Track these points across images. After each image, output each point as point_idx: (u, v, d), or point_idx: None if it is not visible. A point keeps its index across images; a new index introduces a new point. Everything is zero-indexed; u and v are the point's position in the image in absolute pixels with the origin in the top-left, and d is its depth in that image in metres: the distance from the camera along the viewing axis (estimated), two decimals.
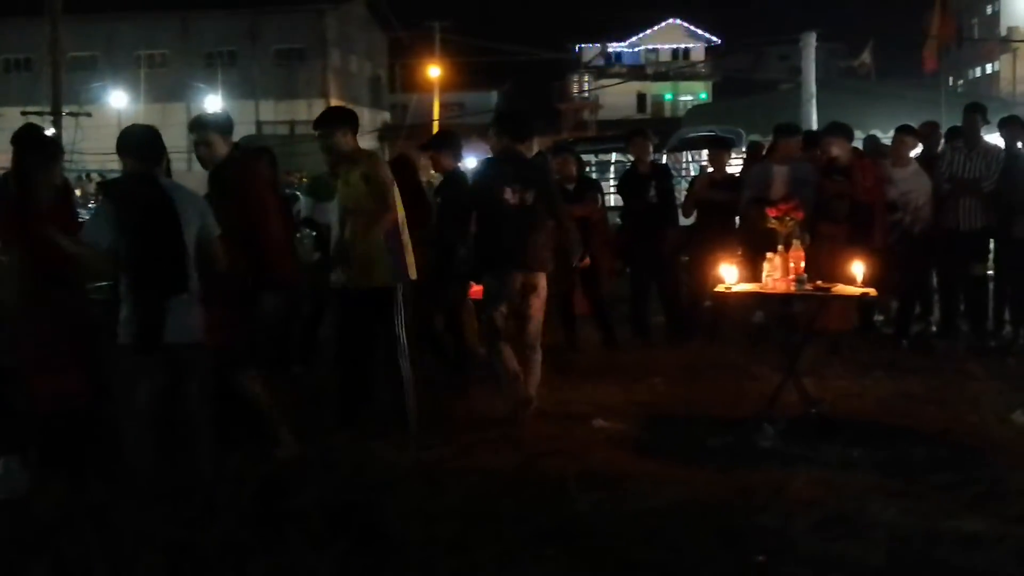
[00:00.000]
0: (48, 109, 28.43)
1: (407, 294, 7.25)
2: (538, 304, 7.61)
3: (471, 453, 6.58)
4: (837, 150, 9.62)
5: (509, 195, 7.32)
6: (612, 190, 18.49)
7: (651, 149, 11.22)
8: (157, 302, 5.52)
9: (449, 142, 8.83)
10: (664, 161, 19.06)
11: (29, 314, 5.98)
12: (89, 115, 29.35)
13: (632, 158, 11.21)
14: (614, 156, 26.75)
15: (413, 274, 7.24)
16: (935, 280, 10.61)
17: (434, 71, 45.25)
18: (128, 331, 5.53)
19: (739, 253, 9.25)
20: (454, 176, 8.53)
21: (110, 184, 6.00)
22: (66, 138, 28.95)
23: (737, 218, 10.34)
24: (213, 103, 47.79)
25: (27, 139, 6.24)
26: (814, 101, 14.99)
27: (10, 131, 7.53)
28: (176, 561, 4.81)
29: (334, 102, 51.65)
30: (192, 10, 52.39)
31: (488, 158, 7.82)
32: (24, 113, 30.38)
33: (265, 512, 5.43)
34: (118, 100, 46.03)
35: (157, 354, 5.56)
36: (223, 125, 6.64)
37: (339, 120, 7.20)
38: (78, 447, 5.98)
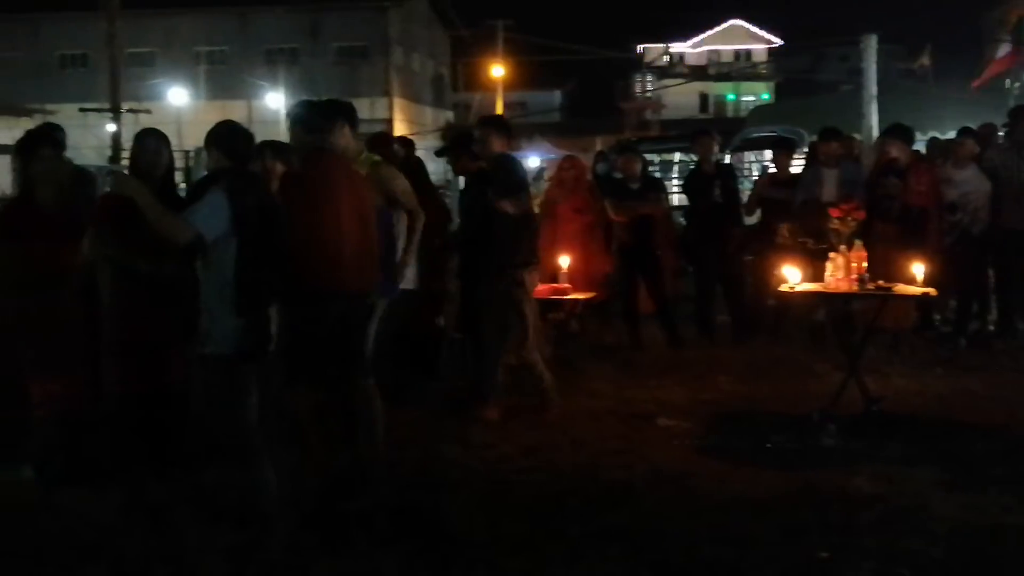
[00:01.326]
0: (106, 106, 28.72)
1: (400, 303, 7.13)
2: None
3: (535, 452, 6.63)
4: (896, 152, 9.61)
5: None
6: (675, 189, 18.52)
7: (716, 149, 11.26)
8: (266, 307, 5.23)
9: (465, 144, 8.63)
10: (727, 161, 19.00)
11: (26, 317, 5.87)
12: (148, 112, 29.44)
13: (696, 158, 11.26)
14: (677, 156, 26.67)
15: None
16: (992, 279, 10.55)
17: (497, 70, 45.25)
18: (227, 339, 5.06)
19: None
20: (478, 176, 8.22)
21: (224, 176, 5.24)
22: (125, 135, 29.30)
23: None
24: (274, 101, 47.99)
25: (28, 138, 6.23)
26: (875, 103, 14.87)
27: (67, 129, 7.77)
28: (240, 563, 4.82)
29: (397, 101, 51.96)
30: (251, 6, 52.06)
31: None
32: (82, 110, 30.89)
33: (329, 513, 5.46)
34: (177, 97, 44.91)
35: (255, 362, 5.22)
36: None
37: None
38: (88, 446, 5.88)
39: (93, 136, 29.55)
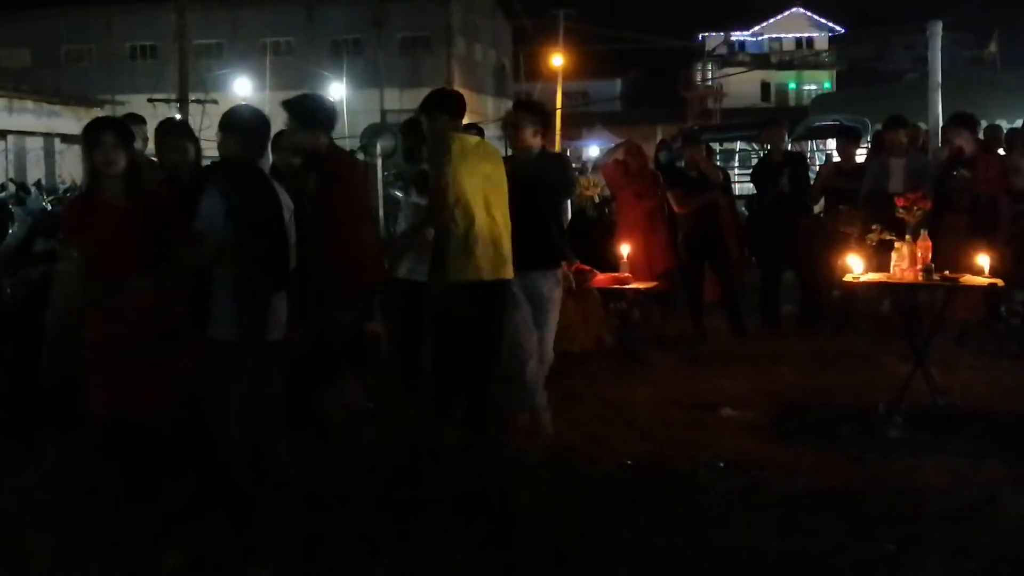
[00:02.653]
0: (174, 96, 29.07)
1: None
2: None
3: (601, 442, 6.59)
4: (960, 141, 9.46)
5: None
6: (736, 178, 18.39)
7: (786, 137, 11.19)
8: (266, 298, 5.23)
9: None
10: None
11: (93, 320, 5.39)
12: (215, 102, 29.73)
13: (767, 146, 11.20)
14: (739, 144, 26.47)
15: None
16: None
17: (558, 60, 45.18)
18: (228, 326, 5.15)
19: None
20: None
21: (216, 168, 5.32)
22: (192, 125, 29.51)
23: None
24: (338, 91, 48.24)
25: (93, 127, 5.54)
26: (940, 91, 14.63)
27: None
28: (311, 549, 4.83)
29: (460, 90, 52.06)
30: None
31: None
32: (151, 100, 31.25)
33: (399, 500, 5.46)
34: (243, 88, 45.47)
35: (253, 351, 5.26)
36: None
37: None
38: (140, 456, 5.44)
39: None
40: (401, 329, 7.63)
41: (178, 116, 28.20)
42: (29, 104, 34.44)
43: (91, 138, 5.35)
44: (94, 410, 5.35)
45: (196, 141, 6.33)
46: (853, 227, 9.09)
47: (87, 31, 53.41)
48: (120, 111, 31.73)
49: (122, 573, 4.61)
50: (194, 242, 5.11)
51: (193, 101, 29.27)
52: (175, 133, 6.31)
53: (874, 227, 7.98)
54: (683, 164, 10.77)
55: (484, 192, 6.28)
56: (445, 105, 6.52)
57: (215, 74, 45.51)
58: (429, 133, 6.52)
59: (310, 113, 6.36)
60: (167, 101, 30.86)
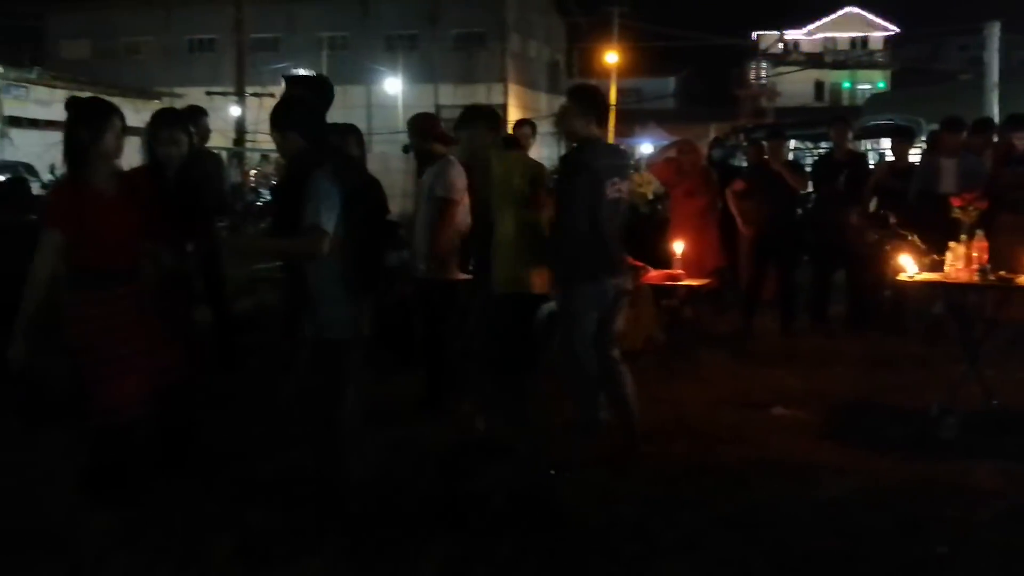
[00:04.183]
0: (232, 90, 29.28)
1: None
2: None
3: (650, 439, 6.53)
4: (1019, 142, 9.35)
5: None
6: None
7: (850, 136, 11.13)
8: (371, 295, 5.07)
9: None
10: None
11: (84, 315, 5.04)
12: (272, 96, 29.98)
13: (834, 144, 11.15)
14: (792, 143, 26.28)
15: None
16: None
17: (611, 57, 45.08)
18: (343, 326, 4.93)
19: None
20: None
21: (320, 157, 4.90)
22: (249, 118, 29.79)
23: None
24: (393, 86, 48.35)
25: (80, 107, 5.16)
26: (996, 92, 14.48)
27: None
28: (358, 539, 4.83)
29: (512, 87, 52.04)
30: None
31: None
32: (209, 93, 31.56)
33: (446, 495, 5.49)
34: None
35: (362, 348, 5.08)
36: None
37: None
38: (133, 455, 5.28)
39: (220, 119, 30.18)
40: (427, 328, 7.38)
41: (236, 110, 28.53)
42: (88, 95, 34.54)
43: (107, 122, 5.05)
44: (100, 407, 5.05)
45: (190, 134, 6.32)
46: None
47: (146, 24, 53.90)
48: (178, 103, 32.12)
49: (176, 558, 4.65)
50: (310, 240, 4.78)
51: (250, 95, 29.47)
52: (170, 124, 6.27)
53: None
54: (747, 161, 10.78)
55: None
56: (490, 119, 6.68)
57: (271, 68, 45.81)
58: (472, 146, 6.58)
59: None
60: (224, 94, 31.17)
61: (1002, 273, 7.41)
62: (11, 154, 29.32)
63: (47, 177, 20.48)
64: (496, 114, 7.07)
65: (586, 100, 6.29)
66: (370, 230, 4.98)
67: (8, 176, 20.61)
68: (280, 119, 5.01)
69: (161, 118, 6.32)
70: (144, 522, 4.97)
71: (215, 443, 6.07)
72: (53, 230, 4.92)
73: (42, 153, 21.03)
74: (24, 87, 35.49)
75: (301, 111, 5.09)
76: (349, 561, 4.64)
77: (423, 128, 7.14)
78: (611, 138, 31.81)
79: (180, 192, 6.09)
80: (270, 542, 4.80)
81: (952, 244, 7.65)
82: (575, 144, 6.19)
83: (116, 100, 5.63)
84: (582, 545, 4.92)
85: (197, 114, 8.43)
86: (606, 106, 6.51)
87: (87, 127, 5.00)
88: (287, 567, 4.58)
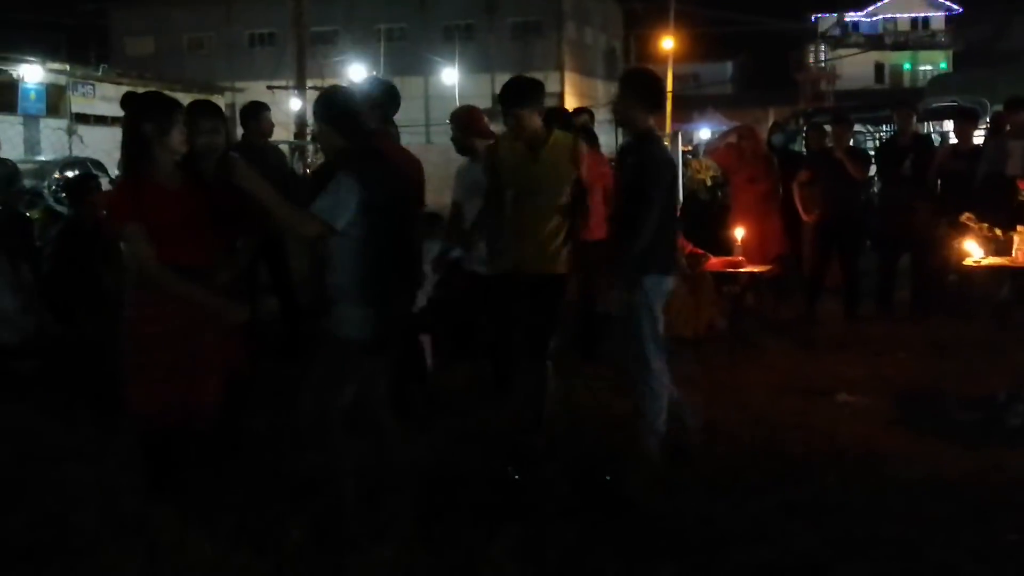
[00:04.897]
0: (292, 83, 29.45)
1: None
2: None
3: (714, 426, 6.47)
4: None
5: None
6: None
7: (915, 120, 11.02)
8: (400, 296, 4.94)
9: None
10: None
11: (142, 316, 4.82)
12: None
13: (891, 128, 11.04)
14: (855, 127, 26.04)
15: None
16: None
17: (668, 43, 44.78)
18: (357, 327, 4.74)
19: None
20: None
21: (352, 156, 4.76)
22: (310, 112, 29.92)
23: None
24: (450, 76, 48.37)
25: (141, 101, 4.98)
26: None
27: None
28: (429, 525, 4.82)
29: (569, 75, 51.92)
30: None
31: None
32: (270, 87, 31.78)
33: (513, 482, 5.49)
34: (358, 74, 44.00)
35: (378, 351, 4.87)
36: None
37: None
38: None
39: (282, 113, 30.42)
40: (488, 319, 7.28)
41: (296, 103, 28.75)
42: (145, 90, 34.88)
43: (171, 116, 4.87)
44: (138, 409, 4.88)
45: (227, 124, 6.21)
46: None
47: (208, 19, 54.45)
48: (240, 98, 32.41)
49: (249, 545, 4.66)
50: (306, 216, 4.65)
51: (310, 88, 29.65)
52: (210, 115, 6.05)
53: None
54: (805, 146, 10.69)
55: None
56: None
57: (331, 60, 45.97)
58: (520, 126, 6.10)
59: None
60: (285, 87, 31.37)
61: None
62: (80, 151, 29.69)
63: (114, 172, 20.74)
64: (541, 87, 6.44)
65: (645, 88, 5.99)
66: (395, 237, 4.80)
67: (77, 172, 20.92)
68: (318, 110, 4.93)
69: (201, 108, 6.10)
70: (215, 508, 4.95)
71: (277, 433, 6.00)
72: (132, 224, 4.75)
73: (111, 150, 21.33)
74: (91, 84, 35.88)
75: (339, 108, 4.93)
76: (420, 549, 4.63)
77: (465, 122, 7.10)
78: (668, 124, 31.65)
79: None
80: (341, 529, 4.79)
81: (1020, 228, 7.56)
82: (636, 135, 5.96)
83: (179, 95, 5.56)
84: (649, 532, 4.89)
85: (260, 109, 8.49)
86: (663, 92, 6.29)
87: (150, 122, 4.84)
88: (360, 554, 4.57)
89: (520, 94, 5.98)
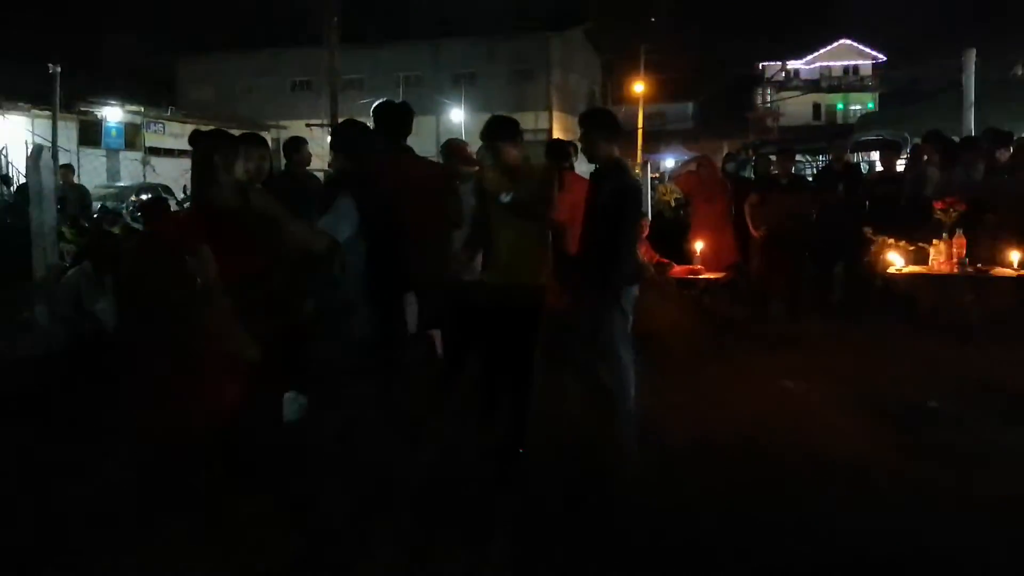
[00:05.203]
0: (327, 122, 29.47)
1: None
2: None
3: (678, 408, 6.38)
4: (1001, 154, 9.12)
5: None
6: None
7: (847, 151, 11.02)
8: (397, 301, 4.80)
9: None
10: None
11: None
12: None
13: (833, 157, 10.97)
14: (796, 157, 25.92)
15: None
16: None
17: (639, 87, 44.78)
18: (364, 329, 4.64)
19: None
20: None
21: (351, 178, 4.73)
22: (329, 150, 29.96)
23: None
24: (457, 115, 48.42)
25: (211, 138, 4.88)
26: (973, 109, 14.07)
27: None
28: (419, 542, 4.42)
29: (556, 113, 51.96)
30: (442, 38, 52.92)
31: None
32: (308, 125, 31.80)
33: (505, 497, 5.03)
34: None
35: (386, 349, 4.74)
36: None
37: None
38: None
39: (318, 147, 30.39)
40: None
41: (330, 139, 28.82)
42: (211, 128, 35.02)
43: (236, 151, 4.81)
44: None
45: (271, 154, 6.07)
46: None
47: (257, 69, 54.51)
48: (283, 134, 32.35)
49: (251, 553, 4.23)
50: (317, 234, 4.59)
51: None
52: (257, 145, 5.98)
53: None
54: (753, 172, 10.61)
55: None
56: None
57: (358, 103, 45.96)
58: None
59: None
60: (321, 125, 31.30)
61: (979, 266, 7.21)
62: (152, 178, 29.82)
63: (180, 196, 20.72)
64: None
65: (602, 123, 5.82)
66: (386, 248, 4.65)
67: (150, 195, 20.97)
68: (332, 140, 4.93)
69: (250, 139, 5.95)
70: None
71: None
72: (203, 247, 4.53)
73: (177, 177, 21.29)
74: (161, 123, 36.02)
75: (344, 136, 4.88)
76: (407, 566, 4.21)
77: (450, 151, 6.99)
78: (639, 155, 31.52)
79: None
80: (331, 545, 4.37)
81: (936, 241, 7.47)
82: (605, 163, 5.72)
83: (233, 131, 5.39)
84: (625, 502, 4.80)
85: (300, 143, 8.41)
86: (618, 125, 5.98)
87: (219, 154, 4.75)
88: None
89: (498, 129, 5.75)
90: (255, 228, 4.68)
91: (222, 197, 4.69)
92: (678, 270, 9.05)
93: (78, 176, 18.94)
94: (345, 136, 4.85)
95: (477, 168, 6.38)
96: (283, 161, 8.66)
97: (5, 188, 19.92)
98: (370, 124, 5.45)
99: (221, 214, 4.64)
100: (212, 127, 5.71)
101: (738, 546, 4.32)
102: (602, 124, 5.81)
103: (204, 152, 4.73)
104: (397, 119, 5.13)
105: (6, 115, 28.22)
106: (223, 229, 4.58)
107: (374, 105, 5.20)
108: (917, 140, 15.34)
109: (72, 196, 14.98)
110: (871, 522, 4.57)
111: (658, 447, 5.62)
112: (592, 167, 5.82)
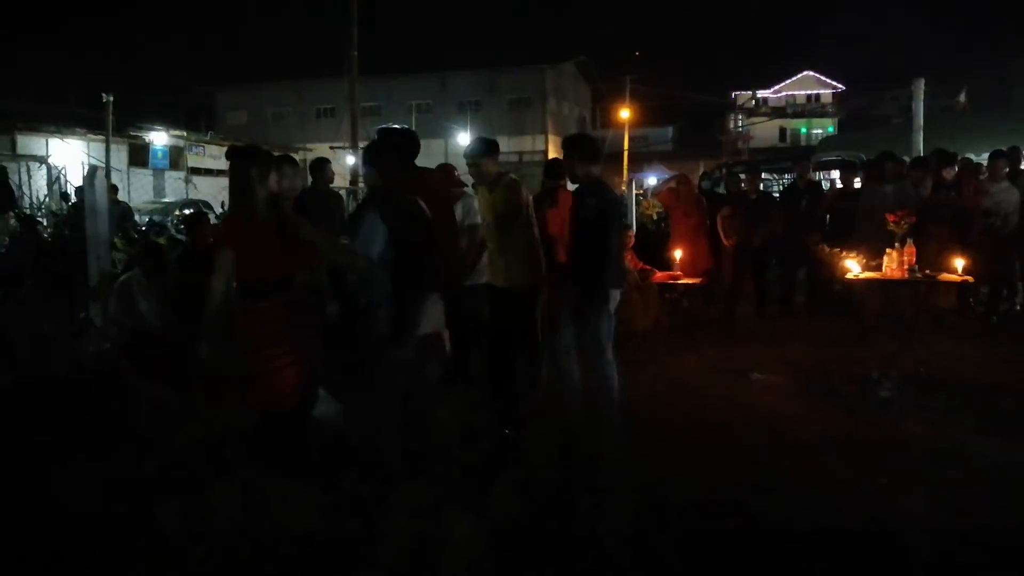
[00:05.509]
0: (348, 144, 29.57)
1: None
2: None
3: (658, 398, 6.40)
4: (947, 172, 9.14)
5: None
6: None
7: (810, 170, 10.97)
8: (419, 300, 4.75)
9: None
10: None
11: (251, 321, 4.56)
12: None
13: (797, 175, 10.95)
14: (763, 175, 25.85)
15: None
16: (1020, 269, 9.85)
17: (625, 113, 44.81)
18: (387, 325, 4.59)
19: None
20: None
21: (377, 195, 4.73)
22: (360, 165, 30.07)
23: None
24: (463, 140, 48.57)
25: (245, 152, 4.79)
26: (921, 133, 14.09)
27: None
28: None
29: (551, 137, 52.01)
30: (449, 70, 53.05)
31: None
32: (331, 147, 31.89)
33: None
34: None
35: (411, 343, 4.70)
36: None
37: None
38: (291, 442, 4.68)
39: (340, 166, 30.38)
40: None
41: (350, 159, 28.77)
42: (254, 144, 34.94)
43: (270, 166, 4.72)
44: (264, 398, 4.57)
45: (301, 174, 6.08)
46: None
47: (286, 98, 54.63)
48: (309, 155, 32.38)
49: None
50: (357, 255, 4.60)
51: (361, 148, 29.68)
52: (291, 165, 5.98)
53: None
54: (725, 188, 10.61)
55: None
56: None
57: (375, 127, 45.84)
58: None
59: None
60: (342, 148, 31.33)
61: (928, 271, 7.22)
62: (194, 195, 29.89)
63: (219, 211, 20.70)
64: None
65: (582, 147, 5.77)
66: (413, 258, 4.66)
67: (192, 210, 20.96)
68: (366, 154, 4.93)
69: (285, 160, 5.95)
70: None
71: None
72: (227, 249, 4.56)
73: (216, 194, 21.29)
74: (202, 146, 36.12)
75: (375, 152, 4.87)
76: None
77: (444, 174, 7.01)
78: (625, 173, 31.50)
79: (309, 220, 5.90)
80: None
81: (889, 250, 7.47)
82: (588, 182, 5.67)
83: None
84: (611, 473, 4.77)
85: (324, 163, 8.40)
86: (597, 147, 5.89)
87: (255, 167, 4.66)
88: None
89: (480, 149, 5.87)
90: (283, 237, 4.62)
91: (256, 207, 4.65)
92: (659, 276, 9.05)
93: (128, 193, 18.97)
94: (380, 152, 4.91)
95: (465, 188, 6.46)
96: (309, 179, 8.66)
97: (64, 204, 19.94)
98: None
99: (253, 223, 4.60)
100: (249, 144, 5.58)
101: (707, 507, 4.37)
102: (582, 148, 5.77)
103: (241, 166, 4.70)
104: (412, 143, 5.16)
105: (65, 139, 28.27)
106: (253, 236, 4.56)
107: (384, 129, 5.21)
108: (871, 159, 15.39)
109: (115, 211, 14.97)
110: (821, 490, 4.60)
111: (642, 426, 5.63)
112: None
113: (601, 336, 5.56)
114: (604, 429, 5.45)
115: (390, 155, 4.89)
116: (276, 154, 5.53)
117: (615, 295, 5.64)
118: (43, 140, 27.98)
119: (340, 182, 25.44)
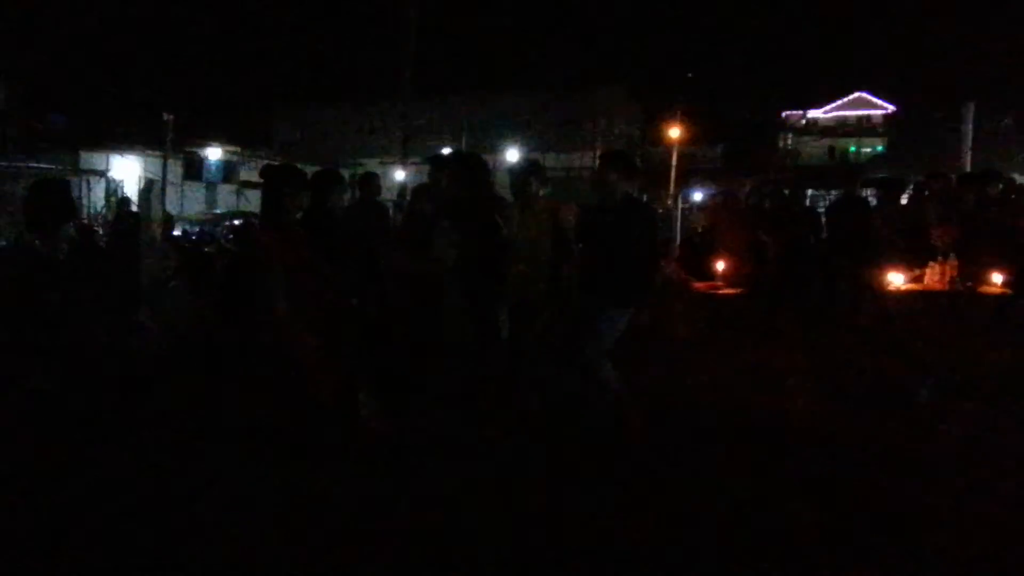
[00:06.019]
0: (399, 159, 30.08)
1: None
2: None
3: (692, 391, 6.66)
4: (992, 190, 9.10)
5: None
6: None
7: (858, 186, 11.00)
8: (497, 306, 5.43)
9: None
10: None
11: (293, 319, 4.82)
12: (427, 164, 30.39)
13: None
14: (809, 192, 25.73)
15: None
16: None
17: (675, 131, 44.82)
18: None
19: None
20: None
21: (449, 206, 5.35)
22: (408, 180, 30.54)
23: None
24: (514, 156, 48.94)
25: (280, 171, 5.18)
26: (969, 154, 14.02)
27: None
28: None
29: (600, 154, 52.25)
30: (503, 92, 53.73)
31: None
32: (381, 163, 32.37)
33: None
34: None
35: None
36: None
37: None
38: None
39: (388, 180, 30.79)
40: None
41: (400, 174, 29.20)
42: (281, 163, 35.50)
43: (303, 183, 5.13)
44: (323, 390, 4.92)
45: (348, 187, 6.38)
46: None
47: (338, 116, 55.63)
48: (360, 171, 32.86)
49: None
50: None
51: (410, 163, 30.03)
52: (341, 181, 6.18)
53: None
54: (769, 204, 10.67)
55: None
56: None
57: (427, 144, 46.46)
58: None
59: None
60: (393, 163, 31.79)
61: (969, 284, 7.23)
62: (244, 207, 30.62)
63: None
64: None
65: (627, 166, 5.82)
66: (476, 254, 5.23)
67: (241, 221, 21.53)
68: (457, 171, 5.68)
69: (334, 176, 6.15)
70: None
71: None
72: (277, 266, 4.82)
73: None
74: (254, 161, 36.93)
75: (466, 168, 5.53)
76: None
77: None
78: (672, 188, 31.49)
79: (353, 231, 6.17)
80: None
81: (931, 263, 7.51)
82: (620, 198, 5.64)
83: (317, 168, 5.74)
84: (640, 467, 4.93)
85: (372, 177, 8.71)
86: (634, 165, 6.00)
87: (287, 186, 4.98)
88: None
89: (525, 169, 6.09)
90: (312, 248, 4.94)
91: (286, 221, 4.96)
92: (701, 286, 9.15)
93: (180, 204, 19.47)
94: (466, 168, 5.54)
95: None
96: (357, 192, 8.92)
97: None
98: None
99: (285, 235, 4.91)
100: (286, 163, 5.94)
101: (741, 506, 4.50)
102: (617, 164, 5.80)
103: (273, 184, 5.03)
104: (481, 165, 5.58)
105: (124, 155, 29.15)
106: (287, 247, 4.86)
107: (453, 153, 5.73)
108: (919, 178, 15.27)
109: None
110: (853, 492, 4.70)
111: (679, 418, 5.84)
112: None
113: (604, 347, 5.54)
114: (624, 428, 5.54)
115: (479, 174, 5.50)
116: (322, 169, 6.00)
117: (627, 312, 5.59)
118: (104, 156, 28.88)
119: (386, 195, 25.79)
